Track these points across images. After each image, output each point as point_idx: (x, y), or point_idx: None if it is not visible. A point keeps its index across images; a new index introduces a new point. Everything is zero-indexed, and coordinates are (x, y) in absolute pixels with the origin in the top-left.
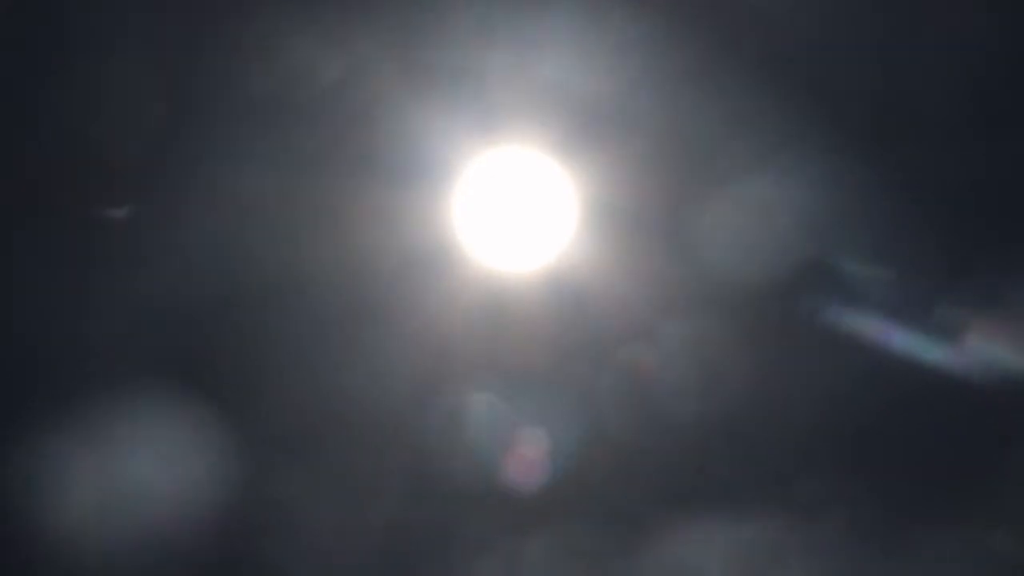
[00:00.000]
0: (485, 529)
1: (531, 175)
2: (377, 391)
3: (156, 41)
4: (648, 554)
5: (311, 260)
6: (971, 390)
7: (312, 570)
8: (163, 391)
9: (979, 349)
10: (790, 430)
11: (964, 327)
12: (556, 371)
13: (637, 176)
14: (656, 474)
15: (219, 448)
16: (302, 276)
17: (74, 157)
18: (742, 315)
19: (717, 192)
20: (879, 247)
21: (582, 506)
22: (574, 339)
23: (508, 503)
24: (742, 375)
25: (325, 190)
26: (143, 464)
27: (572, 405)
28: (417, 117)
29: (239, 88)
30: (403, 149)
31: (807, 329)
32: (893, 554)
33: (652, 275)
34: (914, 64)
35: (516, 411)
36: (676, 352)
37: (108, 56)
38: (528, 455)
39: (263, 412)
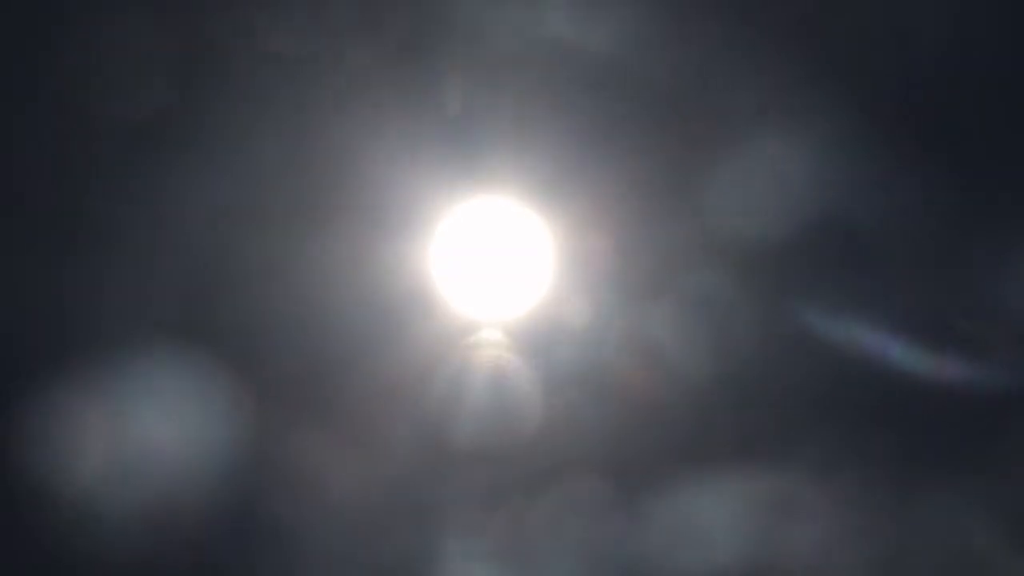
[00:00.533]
0: (494, 486)
1: (509, 222)
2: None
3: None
4: (657, 511)
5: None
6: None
7: (317, 532)
8: (169, 357)
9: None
10: (801, 387)
11: (966, 333)
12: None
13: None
14: (664, 431)
15: (225, 412)
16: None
17: (64, 150)
18: (754, 268)
19: (717, 191)
20: (880, 252)
21: (591, 464)
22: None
23: (518, 460)
24: (753, 332)
25: (297, 236)
26: (148, 429)
27: (579, 361)
28: (395, 162)
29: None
30: (380, 195)
31: (819, 284)
32: (904, 510)
33: (661, 229)
34: (909, 72)
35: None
36: (686, 307)
37: (98, 52)
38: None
39: (270, 376)
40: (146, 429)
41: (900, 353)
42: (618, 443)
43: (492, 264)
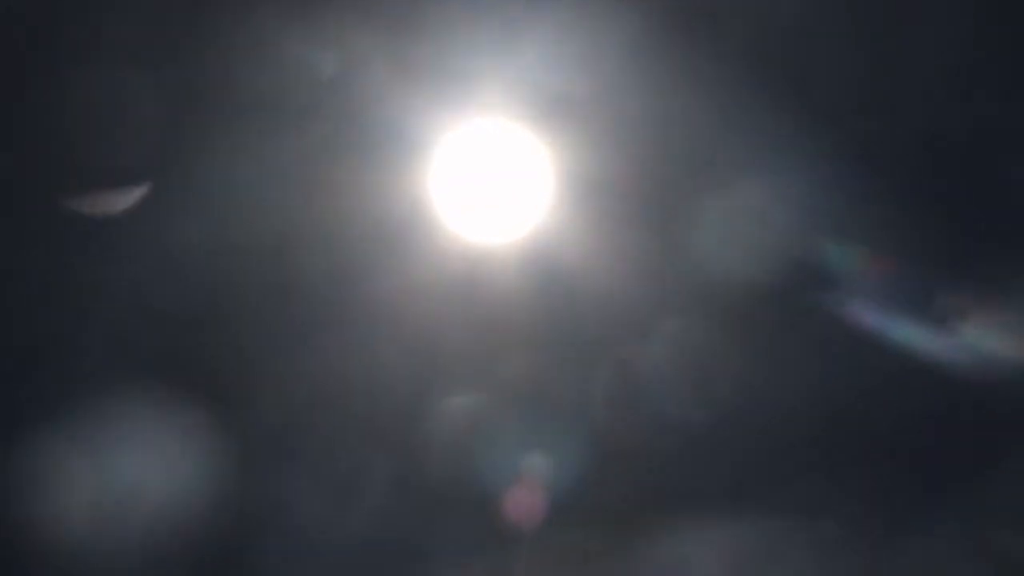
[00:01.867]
0: (479, 531)
1: (512, 149)
2: (363, 381)
3: (148, 40)
4: (645, 554)
5: (289, 232)
6: (969, 383)
7: (303, 569)
8: (154, 389)
9: (976, 341)
10: (789, 428)
11: (961, 319)
12: (550, 372)
13: (627, 161)
14: (653, 473)
15: (211, 446)
16: (278, 247)
17: (67, 155)
18: (738, 311)
19: (709, 183)
20: (876, 240)
21: (578, 506)
22: (566, 337)
23: (502, 500)
24: (739, 372)
25: (303, 168)
26: (136, 463)
27: (566, 405)
28: (395, 92)
29: (221, 78)
30: (380, 124)
31: (805, 324)
32: (893, 553)
33: (645, 272)
34: (910, 57)
35: (508, 415)
36: (671, 349)
37: (103, 55)
38: (527, 489)
39: (253, 408)
40: (131, 465)
41: (887, 391)
42: (604, 485)
43: (488, 188)
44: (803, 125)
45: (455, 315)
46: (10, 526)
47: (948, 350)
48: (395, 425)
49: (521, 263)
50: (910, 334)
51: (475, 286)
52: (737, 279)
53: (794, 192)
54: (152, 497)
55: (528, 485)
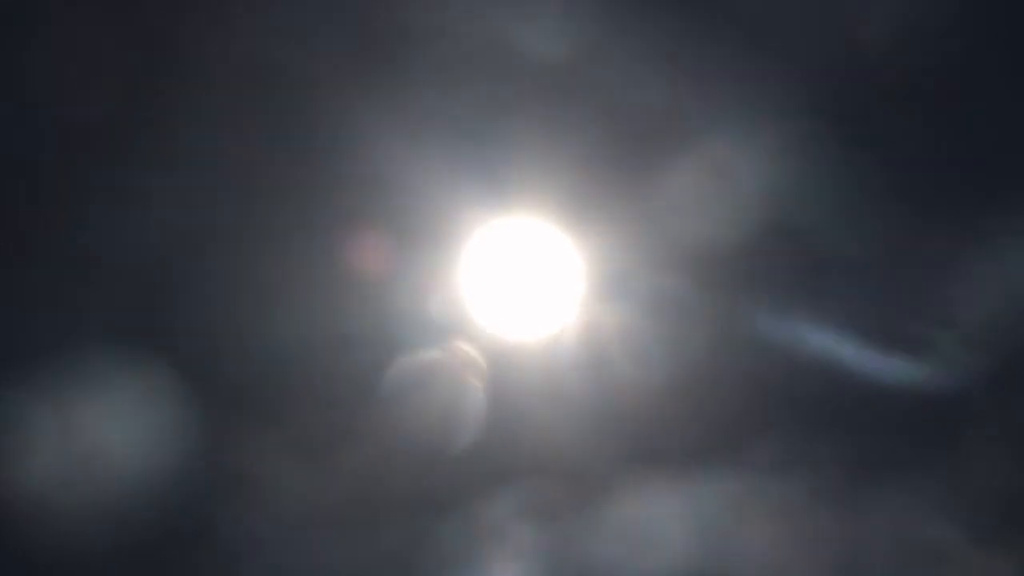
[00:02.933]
0: (449, 490)
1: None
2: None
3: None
4: (609, 515)
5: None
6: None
7: (277, 535)
8: (125, 361)
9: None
10: (754, 390)
11: (922, 337)
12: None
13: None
14: (618, 437)
15: (180, 417)
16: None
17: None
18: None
19: (687, 193)
20: (842, 255)
21: (544, 468)
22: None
23: (472, 464)
24: (707, 338)
25: (324, 253)
26: (103, 434)
27: (534, 365)
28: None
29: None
30: (408, 213)
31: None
32: (851, 515)
33: (611, 231)
34: (887, 70)
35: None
36: (641, 313)
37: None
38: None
39: (224, 381)
40: (100, 432)
41: (851, 356)
42: (575, 447)
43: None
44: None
45: None
46: None
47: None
48: (371, 387)
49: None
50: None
51: None
52: (709, 242)
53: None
54: (118, 464)
55: None
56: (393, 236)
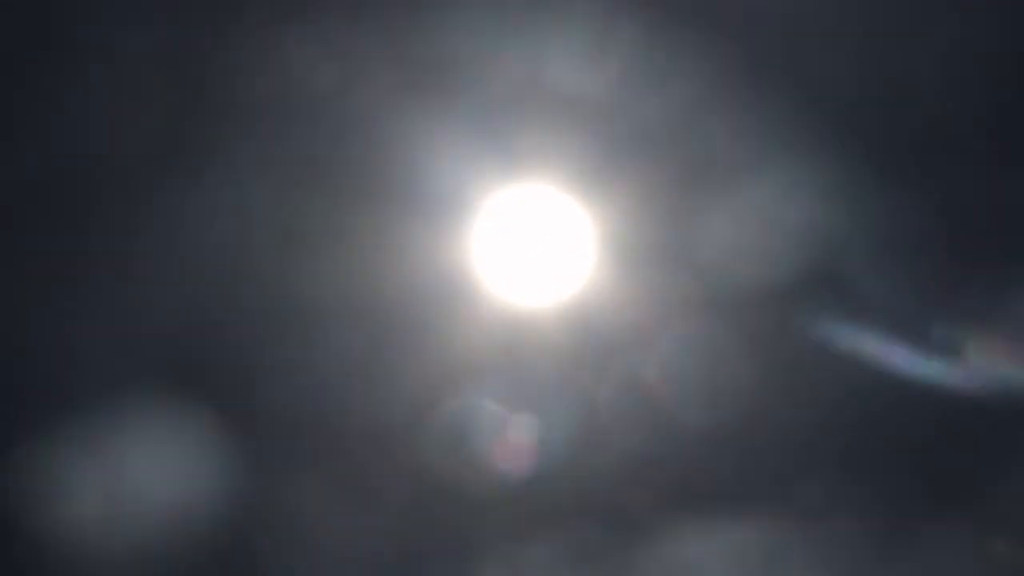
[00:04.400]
0: (489, 533)
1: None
2: (381, 402)
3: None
4: (650, 557)
5: (323, 290)
6: (968, 403)
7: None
8: (166, 398)
9: (976, 363)
10: (791, 435)
11: (962, 341)
12: (558, 375)
13: (639, 194)
14: (659, 478)
15: (221, 455)
16: (313, 305)
17: (72, 162)
18: (745, 323)
19: (720, 207)
20: (879, 262)
21: (585, 510)
22: (576, 343)
23: (512, 507)
24: (745, 382)
25: (339, 220)
26: (144, 471)
27: (576, 408)
28: (432, 145)
29: (247, 118)
30: (419, 178)
31: (807, 341)
32: (893, 558)
33: (654, 283)
34: (914, 85)
35: (519, 414)
36: (679, 358)
37: (108, 60)
38: (517, 442)
39: (266, 420)
40: (138, 468)
41: (893, 389)
42: (612, 487)
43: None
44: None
45: None
46: (18, 529)
47: (942, 370)
48: (407, 427)
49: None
50: (910, 354)
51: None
52: (747, 289)
53: (804, 214)
54: (160, 500)
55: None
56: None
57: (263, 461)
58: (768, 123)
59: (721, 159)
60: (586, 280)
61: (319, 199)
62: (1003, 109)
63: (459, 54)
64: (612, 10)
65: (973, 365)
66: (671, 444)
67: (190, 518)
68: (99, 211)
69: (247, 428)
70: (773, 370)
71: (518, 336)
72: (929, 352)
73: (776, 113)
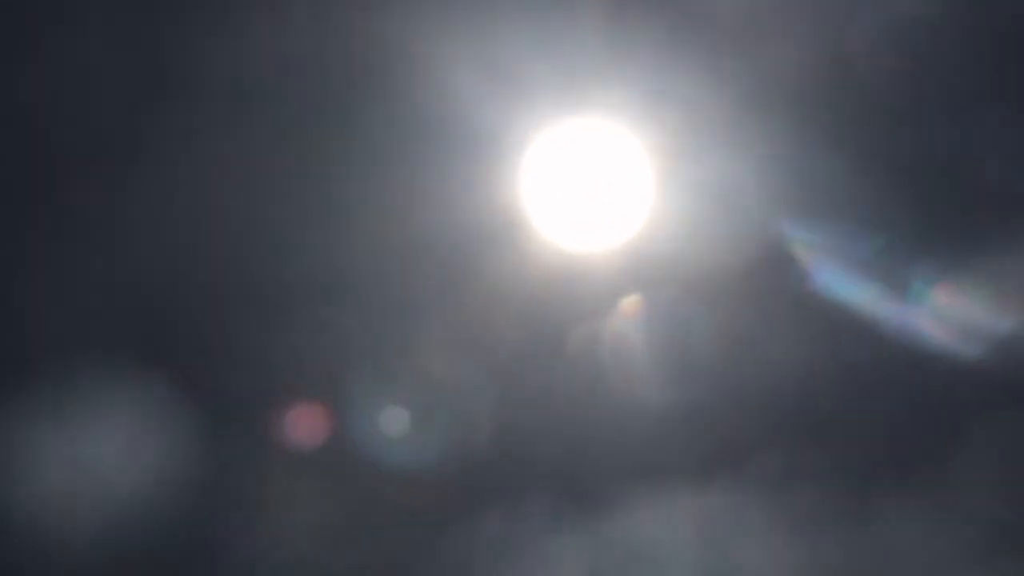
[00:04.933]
0: (453, 506)
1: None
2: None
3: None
4: (615, 528)
5: (361, 238)
6: (942, 357)
7: (281, 548)
8: (144, 380)
9: (950, 316)
10: (757, 402)
11: (939, 295)
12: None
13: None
14: (623, 450)
15: (192, 433)
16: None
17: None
18: (718, 289)
19: (696, 167)
20: (858, 216)
21: (547, 482)
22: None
23: (475, 481)
24: (715, 350)
25: (383, 166)
26: (113, 448)
27: (537, 381)
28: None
29: (278, 59)
30: (459, 121)
31: (777, 301)
32: (859, 526)
33: (625, 252)
34: (892, 36)
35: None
36: (647, 328)
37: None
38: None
39: (240, 400)
40: (108, 449)
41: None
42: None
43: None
44: (775, 101)
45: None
46: None
47: (918, 324)
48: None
49: None
50: (880, 308)
51: None
52: (710, 257)
53: (767, 167)
54: (125, 478)
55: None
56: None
57: (223, 435)
58: (750, 81)
59: (702, 122)
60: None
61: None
62: (981, 56)
63: None
64: None
65: (946, 315)
66: (635, 414)
67: (152, 495)
68: (75, 187)
69: (207, 402)
70: (745, 336)
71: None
72: (904, 305)
73: (760, 68)
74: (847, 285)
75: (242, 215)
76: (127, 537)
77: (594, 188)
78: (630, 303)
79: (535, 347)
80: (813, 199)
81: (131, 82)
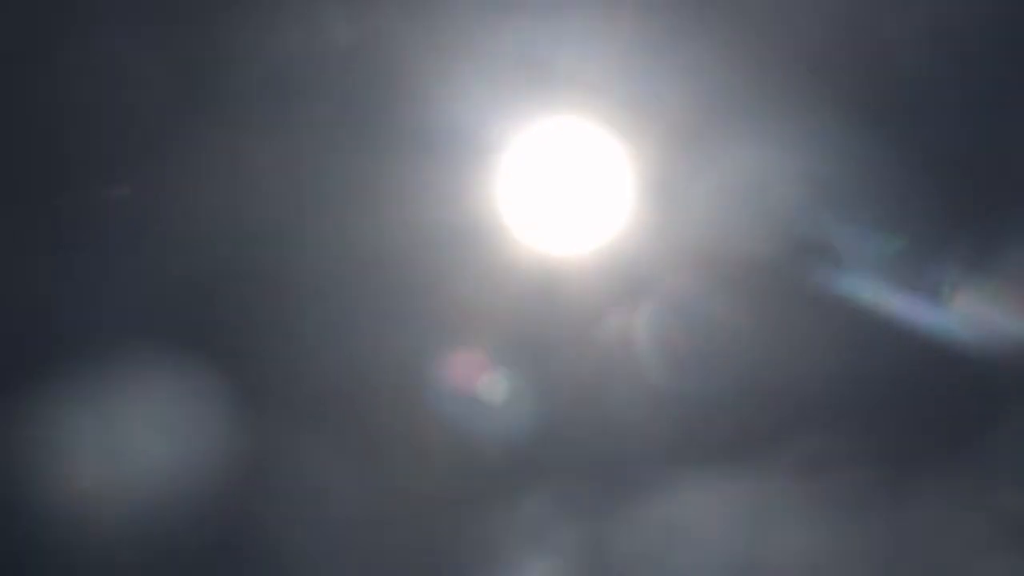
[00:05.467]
0: (488, 489)
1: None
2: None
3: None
4: (646, 512)
5: (342, 236)
6: (964, 352)
7: (314, 540)
8: (174, 368)
9: (972, 312)
10: (788, 389)
11: (957, 290)
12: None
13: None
14: (654, 434)
15: (226, 424)
16: (333, 250)
17: (82, 135)
18: (742, 279)
19: (714, 161)
20: (875, 213)
21: (581, 465)
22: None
23: (510, 462)
24: (741, 338)
25: (360, 165)
26: (149, 442)
27: (571, 365)
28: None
29: (272, 58)
30: (440, 122)
31: (804, 292)
32: (888, 511)
33: (648, 239)
34: (910, 30)
35: (519, 374)
36: (675, 315)
37: (116, 34)
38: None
39: (272, 388)
40: (140, 439)
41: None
42: (609, 441)
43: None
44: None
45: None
46: (23, 501)
47: (941, 320)
48: (406, 392)
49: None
50: (904, 304)
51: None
52: (743, 245)
53: (794, 164)
54: (165, 474)
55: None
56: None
57: (258, 421)
58: (761, 78)
59: (716, 119)
60: (575, 235)
61: (339, 147)
62: (997, 56)
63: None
64: None
65: (969, 313)
66: (668, 399)
67: (186, 482)
68: (100, 174)
69: (242, 389)
70: (772, 325)
71: (515, 287)
72: (926, 300)
73: (770, 69)
74: (869, 284)
75: (245, 211)
76: (168, 530)
77: (608, 184)
78: (655, 294)
79: (558, 338)
80: (831, 196)
81: (131, 83)
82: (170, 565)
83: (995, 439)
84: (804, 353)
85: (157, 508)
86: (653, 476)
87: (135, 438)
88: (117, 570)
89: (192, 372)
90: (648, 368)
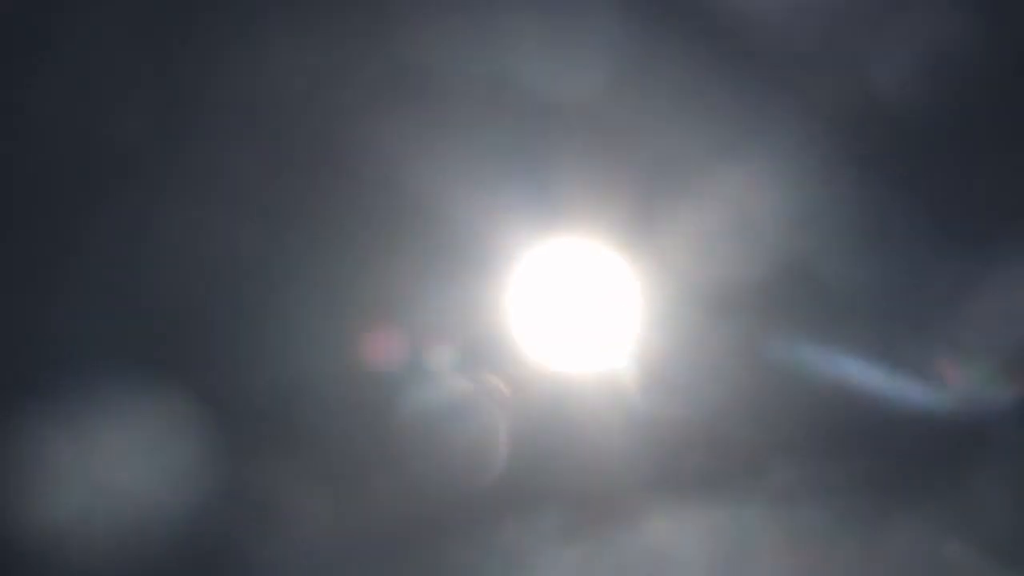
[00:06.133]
0: (464, 518)
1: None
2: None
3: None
4: (626, 542)
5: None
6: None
7: (298, 564)
8: (152, 387)
9: (947, 383)
10: (769, 420)
11: (937, 361)
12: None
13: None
14: (635, 465)
15: (205, 443)
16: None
17: (68, 154)
18: (724, 310)
19: (701, 208)
20: (855, 279)
21: (559, 496)
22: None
23: (487, 492)
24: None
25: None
26: (130, 460)
27: (551, 395)
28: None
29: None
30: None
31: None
32: (866, 542)
33: (635, 266)
34: (897, 84)
35: (496, 401)
36: (659, 350)
37: (104, 54)
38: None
39: (250, 408)
40: (122, 459)
41: (867, 383)
42: (587, 475)
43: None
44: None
45: None
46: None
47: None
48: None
49: None
50: (883, 374)
51: None
52: (719, 287)
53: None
54: (144, 493)
55: None
56: (423, 262)
57: (241, 450)
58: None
59: (701, 162)
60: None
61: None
62: (980, 113)
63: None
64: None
65: (944, 385)
66: (648, 433)
67: (166, 508)
68: (83, 201)
69: (225, 417)
70: (749, 378)
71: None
72: (903, 372)
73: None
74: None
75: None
76: (149, 556)
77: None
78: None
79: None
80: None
81: (131, 86)
82: None
83: (972, 471)
84: (783, 385)
85: (129, 532)
86: (632, 505)
87: (104, 464)
88: None
89: (165, 393)
90: (628, 397)
